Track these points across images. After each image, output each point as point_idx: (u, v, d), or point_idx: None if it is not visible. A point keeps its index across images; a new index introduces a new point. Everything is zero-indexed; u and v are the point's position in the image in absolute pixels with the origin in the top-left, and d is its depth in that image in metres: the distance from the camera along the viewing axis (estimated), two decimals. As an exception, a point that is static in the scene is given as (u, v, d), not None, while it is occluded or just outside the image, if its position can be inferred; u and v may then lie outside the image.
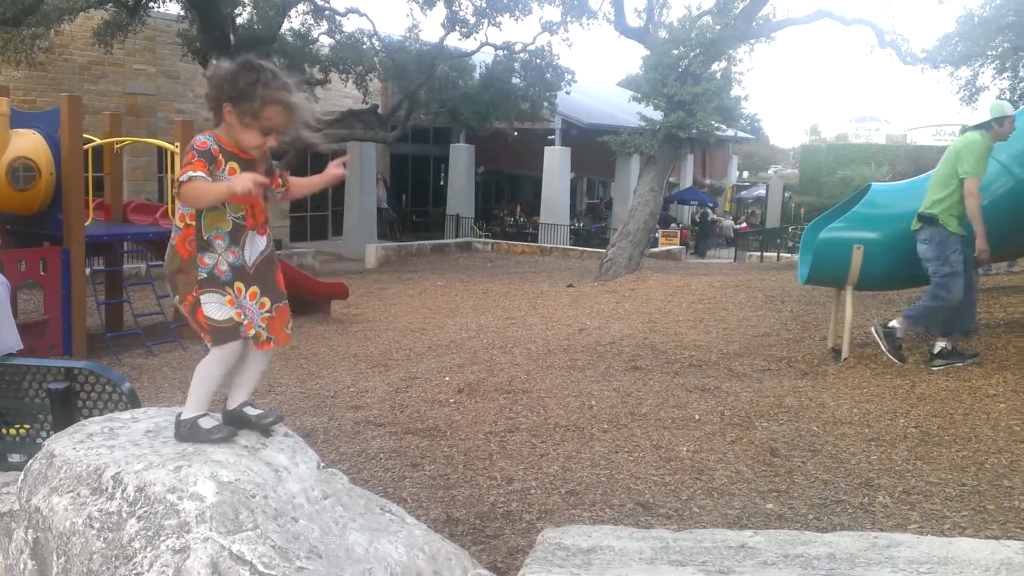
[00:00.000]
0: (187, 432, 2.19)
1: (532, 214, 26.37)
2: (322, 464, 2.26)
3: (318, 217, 24.23)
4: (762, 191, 33.10)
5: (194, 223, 2.14)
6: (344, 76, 17.86)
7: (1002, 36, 17.79)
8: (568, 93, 19.23)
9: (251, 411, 2.31)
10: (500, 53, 18.19)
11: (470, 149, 25.45)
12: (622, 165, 25.03)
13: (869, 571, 2.03)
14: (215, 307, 2.16)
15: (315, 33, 17.50)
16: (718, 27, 12.88)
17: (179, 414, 2.24)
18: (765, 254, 22.18)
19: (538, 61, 17.81)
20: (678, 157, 15.33)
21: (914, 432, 4.04)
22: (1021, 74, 18.78)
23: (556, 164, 23.89)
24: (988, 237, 5.64)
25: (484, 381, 5.57)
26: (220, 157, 2.13)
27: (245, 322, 2.18)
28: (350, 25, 18.00)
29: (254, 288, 2.21)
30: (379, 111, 19.45)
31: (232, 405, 2.33)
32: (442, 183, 29.01)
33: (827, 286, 6.26)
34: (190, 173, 2.05)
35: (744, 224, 29.69)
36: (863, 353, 5.71)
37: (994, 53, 18.72)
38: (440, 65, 17.67)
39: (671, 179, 28.57)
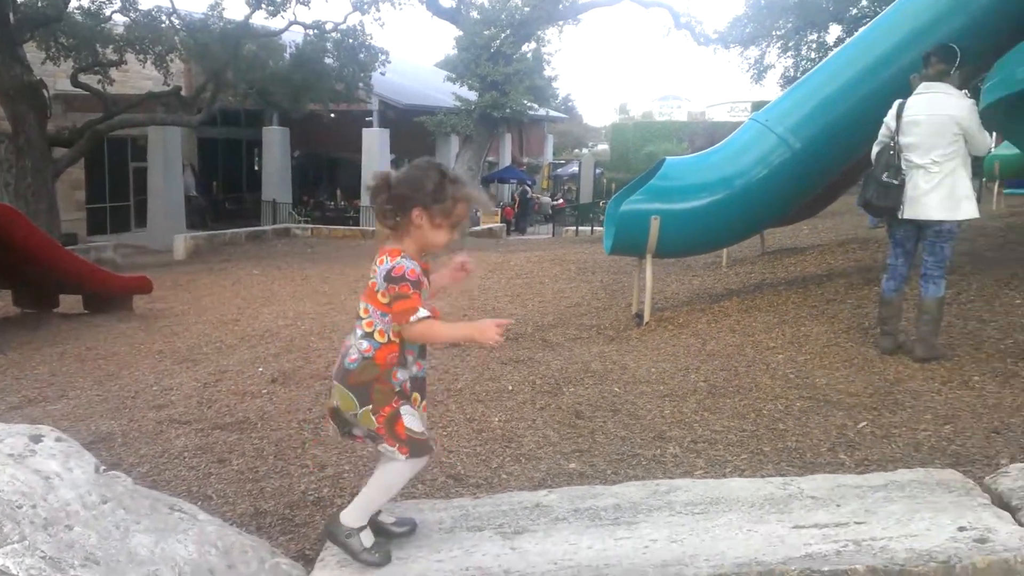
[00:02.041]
0: (345, 540, 2.12)
1: (353, 198, 25.92)
2: (102, 468, 2.14)
3: (119, 208, 22.66)
4: (576, 168, 34.24)
5: (396, 340, 2.14)
6: (142, 57, 16.69)
7: (785, 18, 19.29)
8: (383, 74, 18.98)
9: (386, 519, 2.30)
10: (310, 32, 17.65)
11: (284, 132, 24.59)
12: (442, 146, 25.07)
13: (650, 516, 2.19)
14: (413, 419, 2.16)
15: (107, 11, 16.18)
16: (527, 8, 13.16)
17: (338, 513, 2.18)
18: (580, 228, 23.01)
19: (350, 41, 17.43)
20: (494, 136, 15.59)
21: (703, 386, 4.36)
22: (803, 52, 20.46)
23: (375, 146, 23.57)
24: (770, 205, 6.17)
25: (300, 369, 5.45)
26: (423, 280, 2.15)
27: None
28: (147, 2, 16.82)
29: (420, 398, 2.23)
30: (182, 93, 18.36)
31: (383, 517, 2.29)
32: (256, 168, 27.88)
33: (630, 255, 6.59)
34: (421, 313, 2.07)
35: (560, 200, 30.63)
36: (662, 316, 6.08)
37: (779, 34, 20.29)
38: (247, 44, 16.89)
39: (490, 159, 29.00)
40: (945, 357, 4.54)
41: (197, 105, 17.83)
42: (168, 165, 21.38)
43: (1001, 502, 2.24)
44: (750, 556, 1.92)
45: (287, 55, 17.64)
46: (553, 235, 23.60)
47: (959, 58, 4.56)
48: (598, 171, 32.40)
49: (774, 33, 20.08)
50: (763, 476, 2.77)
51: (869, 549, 1.94)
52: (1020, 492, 2.26)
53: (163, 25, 16.62)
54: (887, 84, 5.56)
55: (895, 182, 4.51)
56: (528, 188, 29.59)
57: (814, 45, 19.86)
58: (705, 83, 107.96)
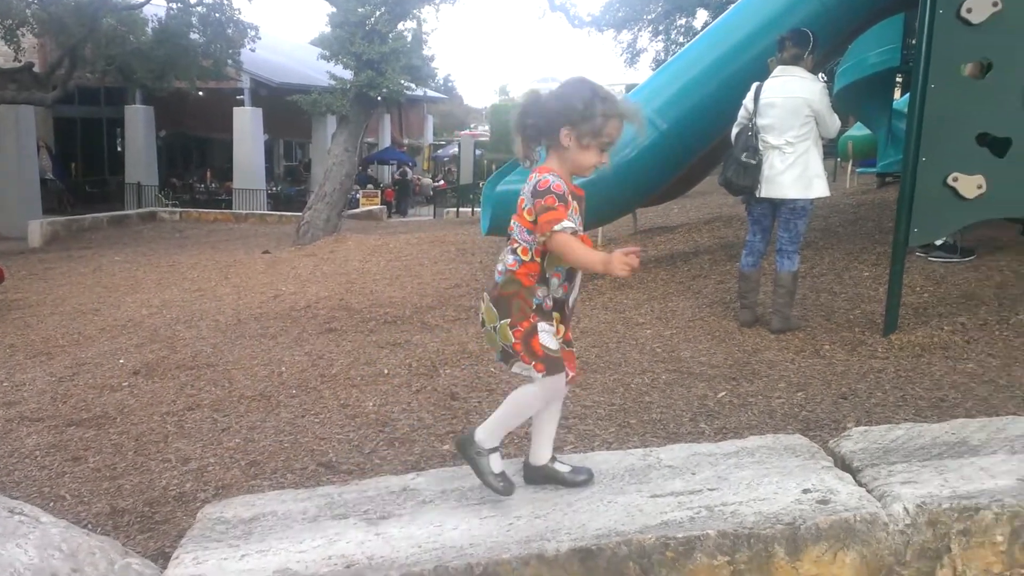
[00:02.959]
0: (475, 456, 2.16)
1: (225, 179, 24.96)
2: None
3: (-35, 193, 20.99)
4: (456, 149, 34.17)
5: (539, 259, 2.14)
6: (-9, 31, 15.48)
7: (656, 2, 19.81)
8: (253, 51, 18.31)
9: (561, 467, 2.29)
10: (174, 6, 16.78)
11: (148, 111, 23.36)
12: (318, 126, 24.45)
13: (515, 493, 2.21)
14: (549, 336, 2.15)
15: (-49, -20, 14.91)
16: (400, -15, 12.96)
17: (474, 428, 2.22)
18: (461, 209, 23.00)
19: (217, 15, 16.70)
20: (371, 116, 15.30)
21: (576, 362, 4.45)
22: (673, 36, 21.09)
23: (247, 126, 22.76)
24: (640, 184, 6.32)
25: (164, 359, 5.24)
26: (570, 199, 2.10)
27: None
28: (-7, -26, 15.55)
29: (564, 327, 2.21)
30: (36, 69, 17.14)
31: (540, 461, 2.28)
32: (119, 149, 26.39)
33: (507, 235, 6.62)
34: (565, 223, 2.05)
35: (442, 182, 30.51)
36: (539, 296, 6.16)
37: (650, 18, 20.83)
38: (105, 18, 15.91)
39: (369, 139, 28.50)
40: (799, 328, 4.81)
41: (52, 82, 16.70)
42: (21, 146, 19.93)
43: (843, 464, 2.39)
44: (609, 527, 1.98)
45: (149, 30, 16.74)
46: (435, 217, 23.50)
47: (812, 42, 4.79)
48: (478, 152, 32.44)
49: (645, 17, 20.62)
50: (627, 448, 2.86)
51: (720, 514, 2.03)
52: (860, 454, 2.42)
53: (13, -3, 15.45)
54: (747, 67, 5.77)
55: (753, 162, 4.71)
56: (408, 169, 29.32)
57: (683, 29, 20.50)
58: (583, 65, 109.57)
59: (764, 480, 2.24)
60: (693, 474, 2.29)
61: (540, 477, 2.28)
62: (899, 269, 4.54)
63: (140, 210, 19.92)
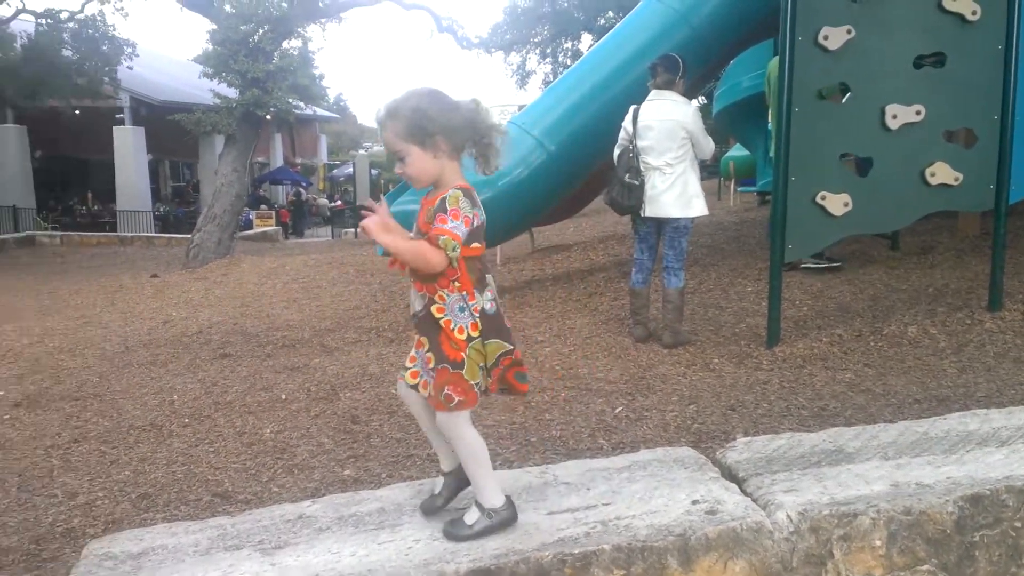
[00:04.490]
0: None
1: (108, 201, 23.92)
2: None
3: None
4: (351, 169, 33.82)
5: None
6: None
7: (541, 25, 20.26)
8: (131, 68, 17.70)
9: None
10: (43, 22, 16.07)
11: (21, 131, 22.16)
12: (206, 145, 23.76)
13: (414, 517, 2.23)
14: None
15: None
16: (284, 4, 12.80)
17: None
18: (358, 231, 22.75)
19: (91, 32, 16.08)
20: (259, 136, 15.00)
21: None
22: (560, 59, 21.58)
23: (129, 145, 21.92)
24: (532, 203, 6.45)
25: (47, 391, 5.00)
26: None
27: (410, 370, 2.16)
28: None
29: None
30: None
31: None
32: (-10, 170, 24.90)
33: (403, 257, 6.61)
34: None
35: (339, 202, 30.12)
36: (437, 317, 6.18)
37: (537, 41, 21.27)
38: (-32, 33, 15.11)
39: (260, 159, 27.89)
40: (690, 342, 5.00)
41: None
42: None
43: (730, 474, 2.49)
44: (507, 546, 2.02)
45: (18, 46, 15.95)
46: (333, 237, 23.17)
47: (682, 67, 5.02)
48: (375, 172, 32.19)
49: (532, 40, 21.06)
50: (525, 466, 2.92)
51: (615, 528, 2.10)
52: (745, 464, 2.53)
53: None
54: (628, 89, 6.00)
55: (636, 182, 4.90)
56: (303, 190, 28.82)
57: (569, 52, 21.02)
58: (475, 85, 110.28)
59: (655, 493, 2.32)
60: (588, 489, 2.36)
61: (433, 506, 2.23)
62: (777, 284, 4.79)
63: (17, 234, 18.86)
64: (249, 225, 21.63)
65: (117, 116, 22.03)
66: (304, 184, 29.65)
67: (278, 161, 30.21)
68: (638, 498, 2.29)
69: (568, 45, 20.84)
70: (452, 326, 2.00)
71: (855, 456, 2.53)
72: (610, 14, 18.13)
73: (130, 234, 19.28)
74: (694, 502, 2.24)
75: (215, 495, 3.23)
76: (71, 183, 27.45)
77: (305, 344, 5.96)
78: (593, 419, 3.83)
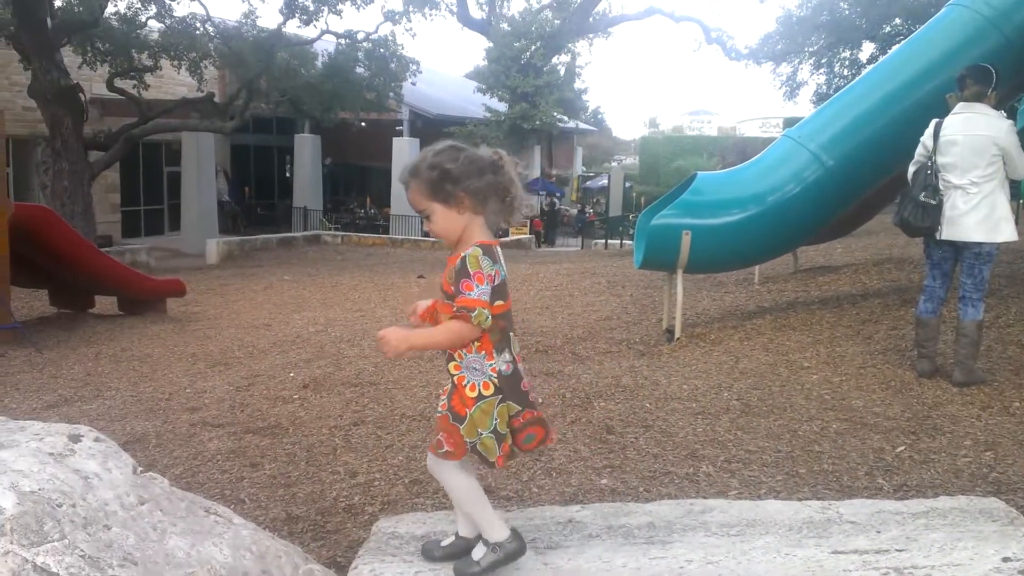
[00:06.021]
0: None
1: (383, 206, 26.06)
2: (139, 469, 2.16)
3: (153, 211, 22.98)
4: (605, 181, 34.19)
5: None
6: (177, 63, 16.97)
7: (817, 35, 19.19)
8: (414, 84, 19.12)
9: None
10: (342, 42, 17.83)
11: (315, 140, 24.83)
12: (471, 156, 25.11)
13: (685, 536, 2.16)
14: None
15: (143, 17, 16.48)
16: (557, 21, 13.19)
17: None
18: (609, 241, 22.95)
19: (382, 51, 17.59)
20: (524, 148, 15.60)
21: (736, 404, 4.31)
22: (836, 69, 20.34)
23: (405, 155, 23.65)
24: (802, 222, 6.11)
25: (331, 375, 5.48)
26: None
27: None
28: (181, 9, 17.16)
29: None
30: (216, 99, 18.62)
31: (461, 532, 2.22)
32: (288, 175, 28.15)
33: (660, 270, 6.54)
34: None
35: (590, 213, 30.56)
36: (694, 332, 6.03)
37: (811, 51, 20.17)
38: (279, 53, 17.12)
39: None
40: (984, 382, 4.46)
41: (230, 112, 18.08)
42: (201, 170, 21.66)
43: (1047, 533, 2.18)
44: (790, 582, 1.89)
45: (319, 64, 17.84)
46: (582, 248, 23.55)
47: (995, 78, 4.49)
48: (627, 184, 32.32)
49: (806, 50, 19.98)
50: (799, 499, 2.73)
51: (911, 577, 1.90)
52: (1066, 523, 2.20)
53: (198, 32, 16.89)
54: (921, 103, 5.51)
55: (933, 202, 4.45)
56: (556, 200, 29.58)
57: (847, 62, 19.72)
58: (736, 98, 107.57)
59: (958, 544, 2.08)
60: (878, 532, 2.16)
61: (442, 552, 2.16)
62: (1104, 323, 4.14)
63: (306, 232, 21.10)
64: (505, 233, 22.55)
65: (396, 128, 23.93)
66: (558, 194, 30.43)
67: (535, 172, 31.29)
68: (937, 548, 2.06)
69: (846, 55, 19.56)
70: (465, 383, 2.04)
71: None
72: (897, 21, 16.78)
73: (400, 236, 20.83)
74: (1005, 559, 1.99)
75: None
76: (352, 188, 30.31)
77: (557, 351, 6.06)
78: (871, 457, 3.52)
